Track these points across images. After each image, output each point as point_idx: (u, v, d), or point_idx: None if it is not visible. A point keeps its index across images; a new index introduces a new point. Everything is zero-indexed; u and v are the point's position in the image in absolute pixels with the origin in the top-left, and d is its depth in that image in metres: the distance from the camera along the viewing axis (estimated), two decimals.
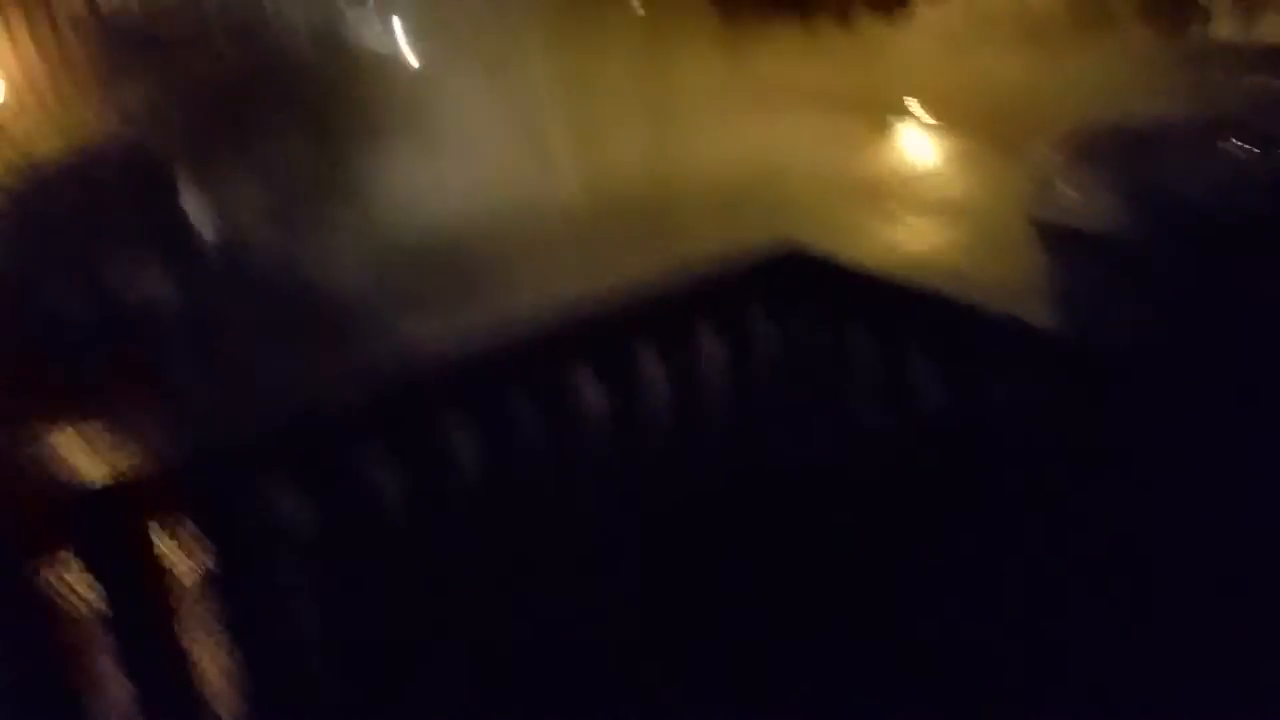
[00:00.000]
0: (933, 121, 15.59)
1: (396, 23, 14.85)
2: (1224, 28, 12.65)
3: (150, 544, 3.75)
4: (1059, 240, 10.40)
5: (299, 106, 13.12)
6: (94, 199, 9.95)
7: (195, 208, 11.23)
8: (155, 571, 3.76)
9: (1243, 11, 12.67)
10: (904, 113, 15.83)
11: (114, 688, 3.82)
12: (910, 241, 12.09)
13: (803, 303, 3.86)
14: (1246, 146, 10.01)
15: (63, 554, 3.71)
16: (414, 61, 14.69)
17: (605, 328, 3.47)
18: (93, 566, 3.76)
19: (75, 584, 3.93)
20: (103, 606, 3.72)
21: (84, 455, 7.60)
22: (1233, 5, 12.80)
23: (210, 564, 3.83)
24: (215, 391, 7.85)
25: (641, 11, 17.85)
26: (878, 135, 15.41)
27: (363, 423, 3.06)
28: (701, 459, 3.91)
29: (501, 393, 3.26)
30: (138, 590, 3.69)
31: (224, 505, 3.50)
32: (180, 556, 3.89)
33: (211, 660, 3.96)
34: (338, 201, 11.89)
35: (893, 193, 13.45)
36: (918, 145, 15.59)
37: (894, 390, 3.89)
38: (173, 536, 3.81)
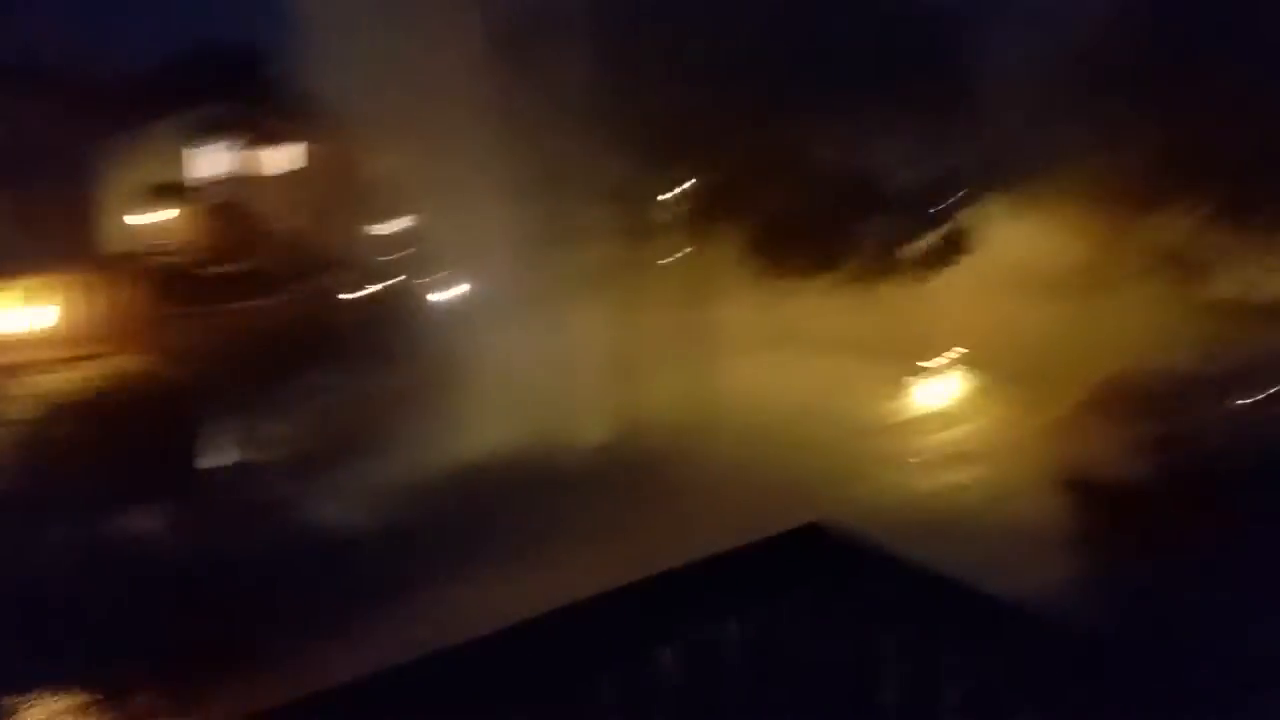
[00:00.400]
0: (957, 365, 15.65)
1: (440, 268, 15.23)
2: (1227, 286, 12.84)
3: None
4: (1080, 489, 10.40)
5: (339, 345, 13.27)
6: (114, 435, 9.93)
7: (218, 444, 11.22)
8: None
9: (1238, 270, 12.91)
10: (930, 357, 15.92)
11: None
12: (934, 482, 12.01)
13: (823, 587, 3.65)
14: (1251, 400, 10.45)
15: None
16: (455, 305, 14.98)
17: (623, 622, 3.29)
18: None
19: None
20: None
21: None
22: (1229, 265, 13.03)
23: None
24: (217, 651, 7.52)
25: (679, 254, 18.11)
26: (904, 378, 15.41)
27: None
28: None
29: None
30: None
31: None
32: None
33: None
34: (366, 444, 11.78)
35: (916, 434, 13.45)
36: (942, 389, 15.58)
37: (911, 678, 3.64)
38: None
